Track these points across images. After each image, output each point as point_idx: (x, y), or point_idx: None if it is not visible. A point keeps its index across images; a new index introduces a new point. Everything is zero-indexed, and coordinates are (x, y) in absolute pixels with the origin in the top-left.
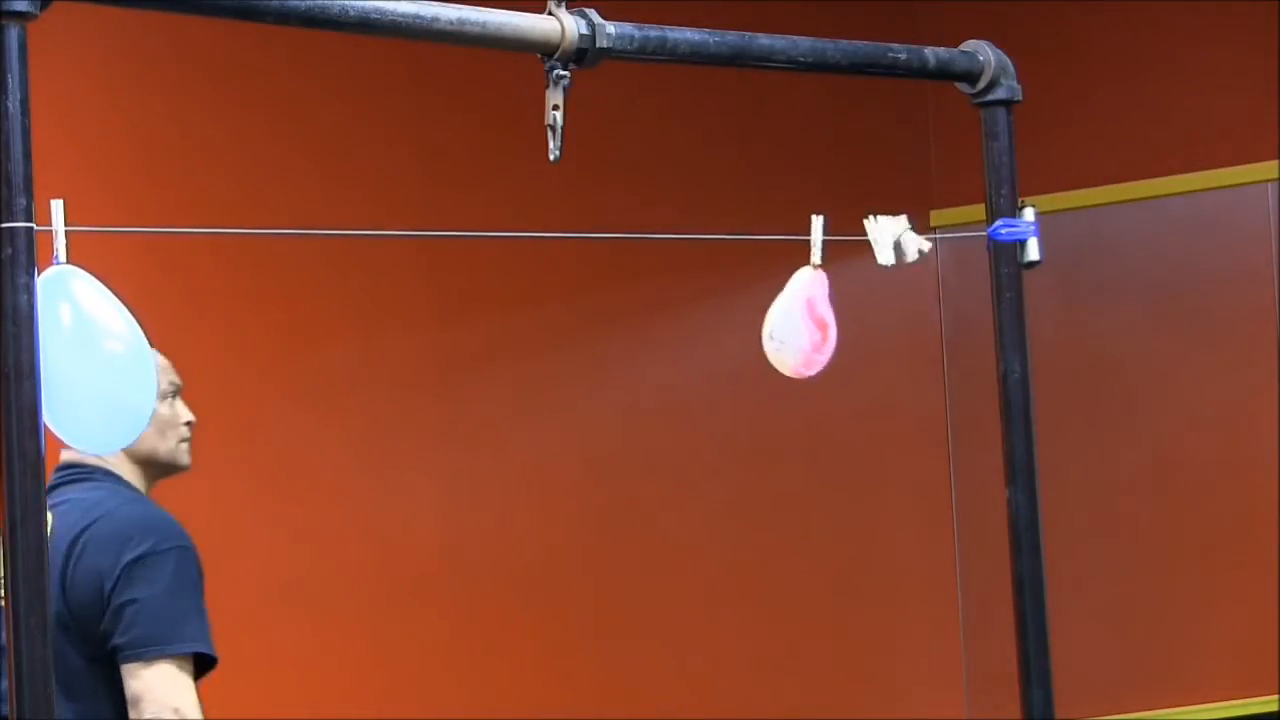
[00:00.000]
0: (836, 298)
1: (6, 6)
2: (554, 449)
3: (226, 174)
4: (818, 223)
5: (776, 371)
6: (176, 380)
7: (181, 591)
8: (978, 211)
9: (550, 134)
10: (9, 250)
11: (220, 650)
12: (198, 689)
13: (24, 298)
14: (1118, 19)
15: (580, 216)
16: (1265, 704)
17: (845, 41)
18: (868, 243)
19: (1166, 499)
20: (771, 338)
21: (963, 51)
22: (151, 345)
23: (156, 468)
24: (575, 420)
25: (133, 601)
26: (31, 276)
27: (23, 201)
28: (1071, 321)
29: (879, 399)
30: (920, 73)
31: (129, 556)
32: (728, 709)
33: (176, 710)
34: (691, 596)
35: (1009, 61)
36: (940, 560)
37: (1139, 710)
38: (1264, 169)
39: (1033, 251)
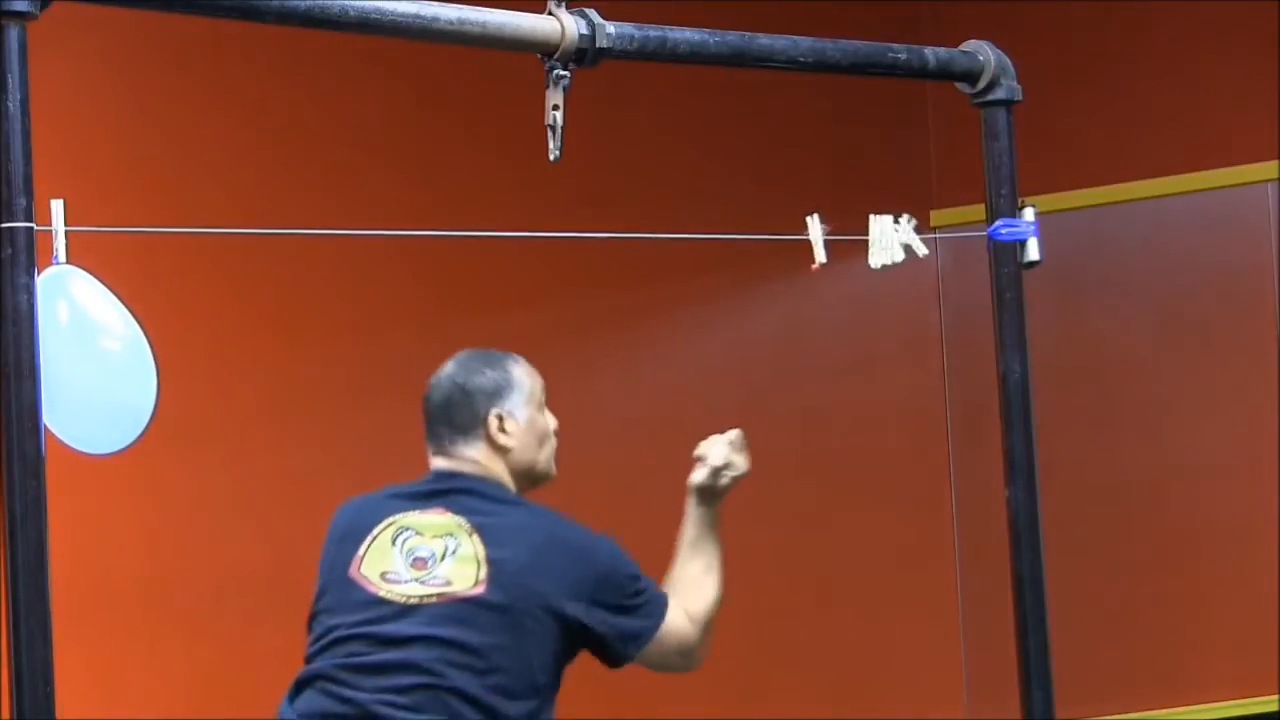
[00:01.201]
0: (836, 298)
1: (6, 6)
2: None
3: (226, 174)
4: (813, 222)
5: (776, 371)
6: (540, 384)
7: (639, 581)
8: (978, 211)
9: (550, 134)
10: (9, 250)
11: (220, 651)
12: None
13: (24, 298)
14: (1118, 19)
15: (580, 216)
16: (1265, 704)
17: (845, 41)
18: (867, 242)
19: (1166, 499)
20: None
21: (963, 51)
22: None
23: (531, 479)
24: (574, 420)
25: (615, 612)
26: (31, 276)
27: (23, 201)
28: (1071, 321)
29: (879, 399)
30: (920, 73)
31: (591, 578)
32: (727, 709)
33: (693, 630)
34: None
35: (1009, 61)
36: (940, 560)
37: (1139, 710)
38: (1264, 169)
39: (1033, 251)
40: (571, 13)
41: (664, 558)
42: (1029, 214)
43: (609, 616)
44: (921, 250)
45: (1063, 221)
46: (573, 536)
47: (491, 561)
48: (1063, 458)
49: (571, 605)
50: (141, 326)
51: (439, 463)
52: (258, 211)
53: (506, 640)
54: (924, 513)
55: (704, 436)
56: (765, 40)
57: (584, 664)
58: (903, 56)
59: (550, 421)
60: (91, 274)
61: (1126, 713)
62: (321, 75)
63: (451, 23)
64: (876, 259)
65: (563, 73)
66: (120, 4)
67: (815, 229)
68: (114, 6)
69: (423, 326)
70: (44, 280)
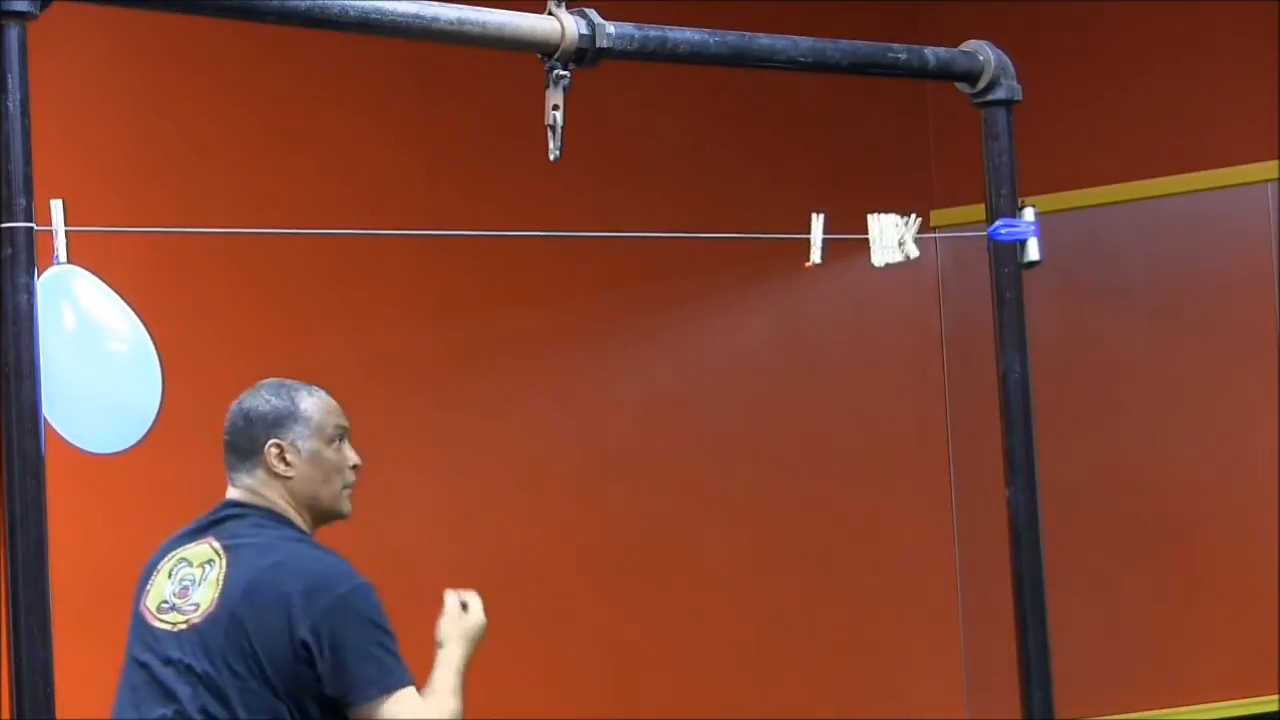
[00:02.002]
0: (837, 297)
1: (6, 6)
2: (554, 448)
3: (226, 173)
4: (817, 222)
5: (776, 371)
6: (344, 423)
7: (379, 632)
8: (978, 211)
9: (550, 134)
10: (9, 250)
11: None
12: None
13: (24, 298)
14: (1118, 19)
15: (580, 216)
16: (1265, 704)
17: (845, 41)
18: (867, 242)
19: (1166, 499)
20: None
21: (963, 51)
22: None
23: (317, 514)
24: (576, 420)
25: (341, 648)
26: (31, 276)
27: (23, 201)
28: (1071, 321)
29: (879, 399)
30: (920, 73)
31: (320, 604)
32: (727, 709)
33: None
34: (691, 596)
35: (1009, 61)
36: (940, 560)
37: (1139, 710)
38: (1264, 169)
39: (1033, 251)
40: (571, 13)
41: (663, 555)
42: (1029, 214)
43: (335, 648)
44: (914, 252)
45: (1063, 221)
46: (315, 563)
47: (225, 580)
48: (1063, 458)
49: (300, 626)
50: (145, 325)
51: (229, 492)
52: (260, 211)
53: (237, 662)
54: (924, 513)
55: (703, 435)
56: (765, 40)
57: (590, 661)
58: (903, 56)
59: (348, 458)
60: (94, 274)
61: (1126, 713)
62: (323, 75)
63: (451, 23)
64: (879, 258)
65: (563, 73)
66: (120, 4)
67: (817, 229)
68: (114, 6)
69: (427, 325)
70: (46, 280)
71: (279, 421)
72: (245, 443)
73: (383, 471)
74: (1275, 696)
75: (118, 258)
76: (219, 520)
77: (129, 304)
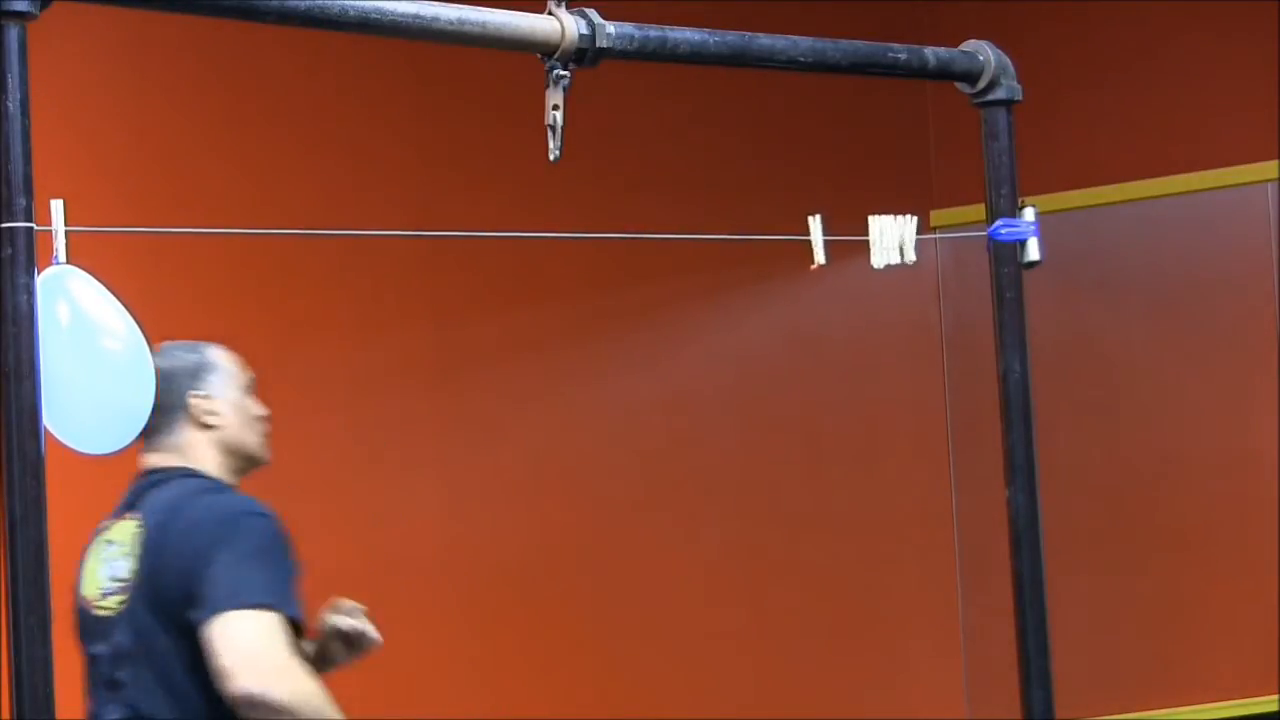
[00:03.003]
0: (837, 298)
1: (6, 6)
2: (554, 448)
3: (226, 173)
4: (815, 223)
5: (776, 371)
6: (251, 374)
7: (256, 554)
8: (978, 211)
9: (550, 134)
10: (9, 250)
11: None
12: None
13: (24, 298)
14: (1118, 19)
15: (580, 216)
16: (1265, 704)
17: (845, 41)
18: (867, 242)
19: (1166, 499)
20: None
21: (963, 51)
22: (150, 345)
23: (243, 459)
24: (575, 420)
25: (208, 573)
26: (31, 276)
27: (23, 201)
28: (1071, 321)
29: (879, 399)
30: (920, 73)
31: (211, 533)
32: (727, 709)
33: (255, 652)
34: (691, 596)
35: (1009, 61)
36: (940, 560)
37: (1139, 710)
38: (1264, 169)
39: (1033, 251)
40: (571, 13)
41: (664, 555)
42: (1029, 214)
43: (207, 565)
44: (910, 256)
45: (1063, 221)
46: (218, 502)
47: (142, 548)
48: (1063, 458)
49: (195, 563)
50: (140, 326)
51: (148, 459)
52: (259, 210)
53: (159, 623)
54: (924, 513)
55: (703, 434)
56: (765, 40)
57: (590, 661)
58: (903, 56)
59: (260, 408)
60: (90, 274)
61: (1126, 713)
62: (323, 75)
63: (451, 23)
64: (879, 259)
65: (563, 73)
66: (121, 4)
67: (817, 230)
68: (115, 6)
69: (427, 325)
70: (43, 280)
71: (198, 374)
72: (167, 400)
73: (383, 470)
74: (1275, 696)
75: (118, 258)
76: (141, 492)
77: (124, 304)
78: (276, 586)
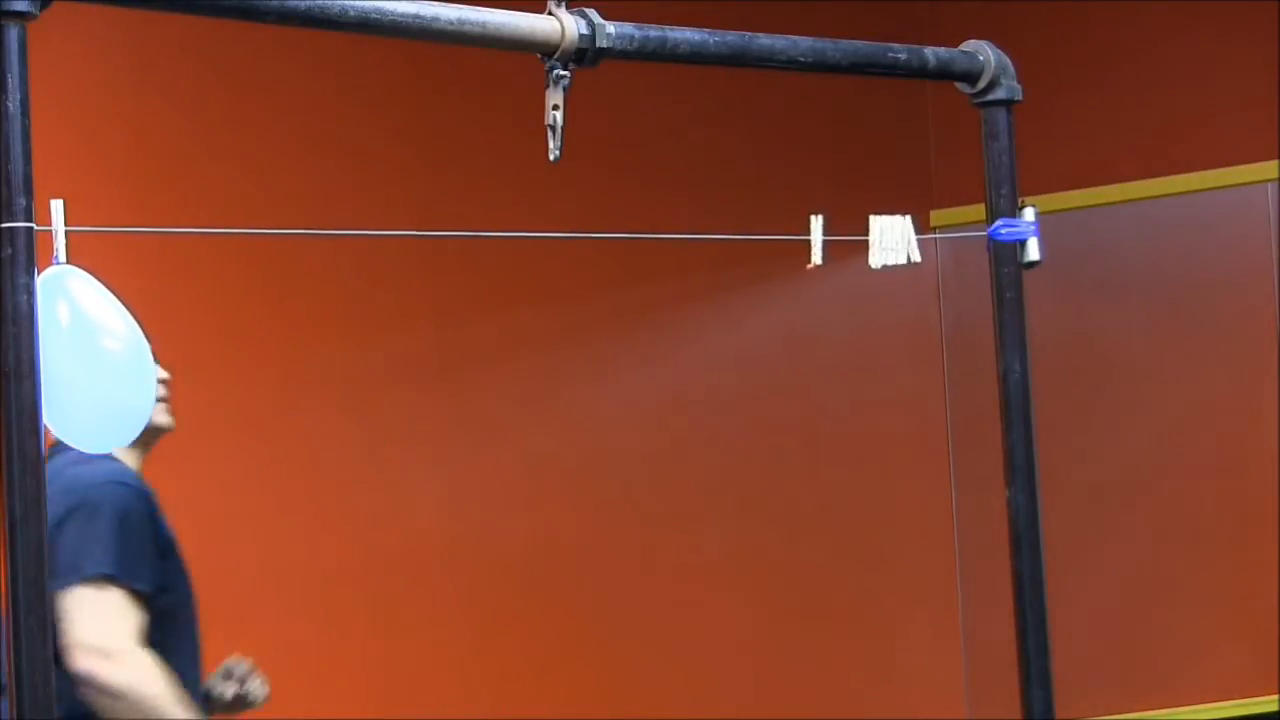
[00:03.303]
0: (837, 298)
1: (6, 6)
2: (555, 447)
3: (227, 173)
4: (816, 223)
5: (776, 371)
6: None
7: (104, 524)
8: (978, 211)
9: (550, 134)
10: (9, 250)
11: (218, 646)
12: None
13: (24, 298)
14: (1117, 19)
15: (580, 216)
16: (1265, 704)
17: (845, 41)
18: (867, 242)
19: (1166, 499)
20: None
21: (963, 51)
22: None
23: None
24: (576, 419)
25: (56, 544)
26: (31, 276)
27: (23, 201)
28: (1071, 321)
29: (879, 399)
30: (920, 73)
31: (61, 512)
32: (727, 709)
33: (91, 631)
34: (692, 596)
35: (1009, 61)
36: (940, 560)
37: (1139, 710)
38: (1264, 169)
39: (1033, 251)
40: (571, 13)
41: (665, 554)
42: (1029, 214)
43: (65, 530)
44: (916, 256)
45: (1063, 221)
46: (84, 476)
47: None
48: (1063, 458)
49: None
50: (140, 326)
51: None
52: (260, 210)
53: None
54: (924, 513)
55: (703, 434)
56: (765, 40)
57: (591, 661)
58: (903, 56)
59: (159, 373)
60: (91, 274)
61: (1126, 713)
62: (323, 75)
63: (451, 23)
64: (877, 259)
65: (563, 73)
66: (121, 4)
67: (817, 230)
68: (115, 6)
69: (427, 325)
70: (44, 280)
71: None
72: None
73: (383, 470)
74: (1275, 696)
75: (118, 258)
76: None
77: (124, 304)
78: (121, 558)
